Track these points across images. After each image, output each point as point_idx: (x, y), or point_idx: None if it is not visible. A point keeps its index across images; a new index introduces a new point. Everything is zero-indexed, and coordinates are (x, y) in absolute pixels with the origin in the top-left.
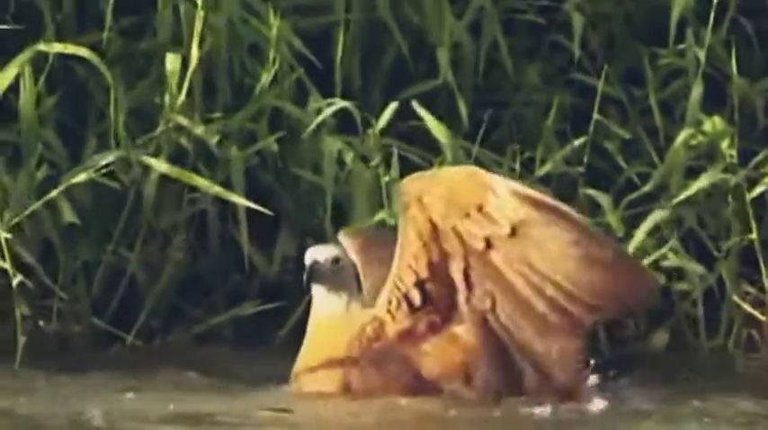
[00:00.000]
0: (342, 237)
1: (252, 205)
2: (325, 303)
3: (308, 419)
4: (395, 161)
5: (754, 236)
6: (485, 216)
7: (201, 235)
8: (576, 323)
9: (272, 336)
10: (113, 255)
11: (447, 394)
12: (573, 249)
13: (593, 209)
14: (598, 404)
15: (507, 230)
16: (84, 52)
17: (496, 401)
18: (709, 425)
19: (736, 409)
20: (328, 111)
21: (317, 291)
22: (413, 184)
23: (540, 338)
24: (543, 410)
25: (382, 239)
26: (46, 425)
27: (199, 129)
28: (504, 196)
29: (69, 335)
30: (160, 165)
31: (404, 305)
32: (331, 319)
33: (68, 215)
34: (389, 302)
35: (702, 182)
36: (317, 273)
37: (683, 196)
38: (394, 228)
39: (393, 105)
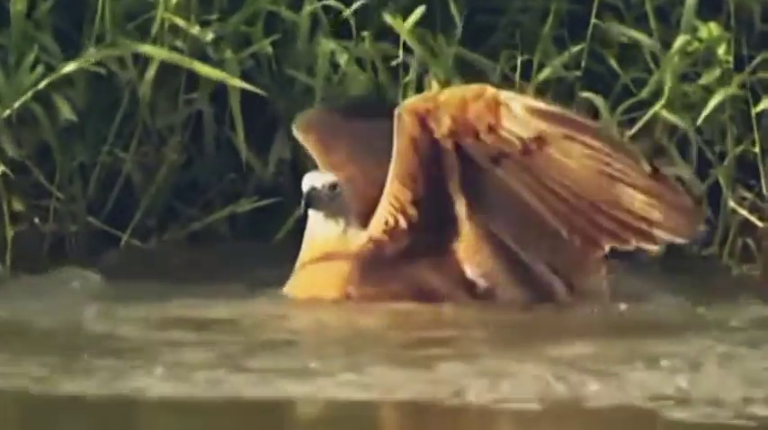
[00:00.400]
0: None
1: (246, 86)
2: (322, 229)
3: (307, 325)
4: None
5: (756, 149)
6: (496, 135)
7: (197, 136)
8: (593, 245)
9: (268, 236)
10: (109, 156)
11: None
12: (593, 164)
13: (591, 114)
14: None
15: (519, 148)
16: None
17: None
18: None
19: (744, 316)
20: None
21: (315, 216)
22: (417, 106)
23: (555, 253)
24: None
25: (336, 121)
26: (41, 328)
27: (194, 29)
28: (517, 113)
29: (65, 236)
30: (159, 53)
31: (401, 223)
32: (327, 242)
33: (66, 112)
34: (386, 223)
35: (703, 80)
36: (314, 199)
37: (703, 114)
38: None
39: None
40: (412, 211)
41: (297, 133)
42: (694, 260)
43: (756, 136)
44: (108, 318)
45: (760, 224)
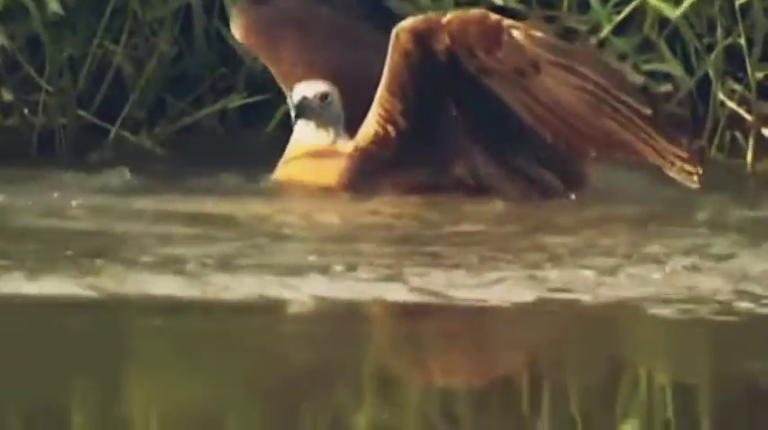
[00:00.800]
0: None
1: None
2: (311, 138)
3: (297, 220)
4: None
5: (741, 39)
6: (493, 58)
7: (187, 29)
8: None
9: (259, 128)
10: (99, 49)
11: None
12: (584, 95)
13: (582, 6)
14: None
15: (513, 69)
16: None
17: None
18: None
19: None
20: None
21: (305, 126)
22: (416, 25)
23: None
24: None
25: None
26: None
27: None
28: (518, 39)
29: (55, 128)
30: None
31: (391, 133)
32: (317, 150)
33: (54, 5)
34: (375, 133)
35: None
36: (305, 108)
37: (678, 11)
38: None
39: None
40: (401, 121)
41: (235, 32)
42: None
43: (741, 27)
44: (97, 212)
45: (748, 117)
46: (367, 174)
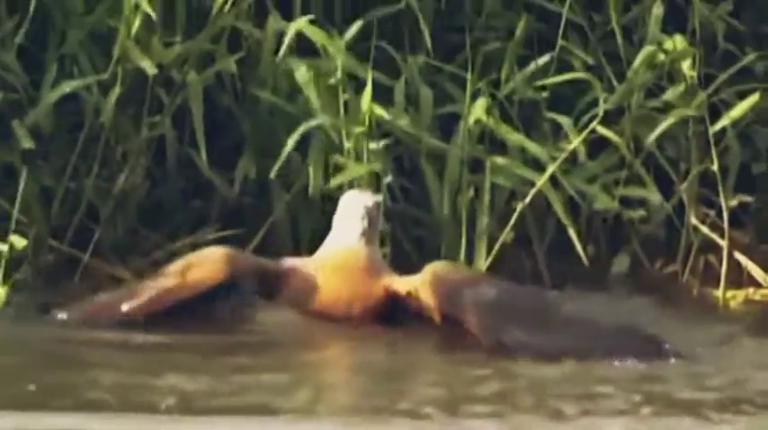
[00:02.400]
0: None
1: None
2: (351, 240)
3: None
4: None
5: (714, 166)
6: None
7: (161, 160)
8: None
9: None
10: (72, 181)
11: None
12: None
13: (557, 135)
14: None
15: None
16: None
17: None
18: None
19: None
20: (293, 28)
21: (350, 227)
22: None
23: None
24: None
25: None
26: None
27: (147, 60)
28: None
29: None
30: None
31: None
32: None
33: (26, 142)
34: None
35: (671, 119)
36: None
37: (653, 136)
38: None
39: (357, 24)
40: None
41: None
42: (656, 279)
43: (714, 155)
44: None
45: (721, 242)
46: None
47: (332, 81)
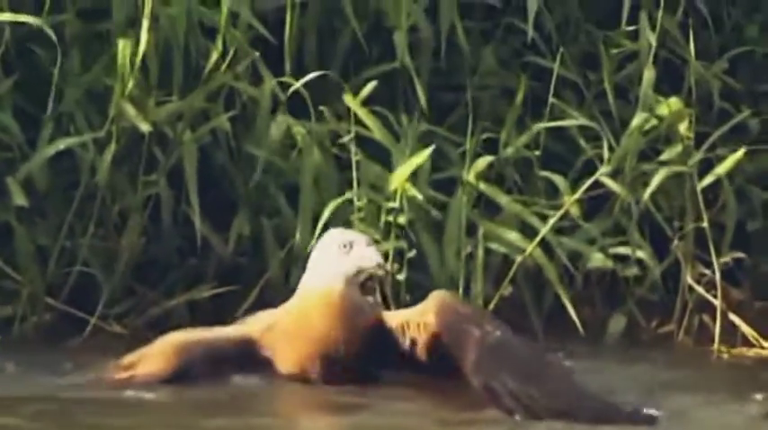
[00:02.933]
0: None
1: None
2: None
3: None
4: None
5: (704, 224)
6: None
7: (156, 217)
8: None
9: (228, 319)
10: (67, 240)
11: None
12: None
13: (551, 192)
14: None
15: None
16: (38, 21)
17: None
18: None
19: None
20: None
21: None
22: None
23: None
24: None
25: None
26: None
27: (142, 119)
28: None
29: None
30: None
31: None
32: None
33: (19, 199)
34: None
35: (662, 174)
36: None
37: (646, 194)
38: None
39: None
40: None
41: None
42: (651, 339)
43: (704, 213)
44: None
45: (716, 302)
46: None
47: (344, 140)
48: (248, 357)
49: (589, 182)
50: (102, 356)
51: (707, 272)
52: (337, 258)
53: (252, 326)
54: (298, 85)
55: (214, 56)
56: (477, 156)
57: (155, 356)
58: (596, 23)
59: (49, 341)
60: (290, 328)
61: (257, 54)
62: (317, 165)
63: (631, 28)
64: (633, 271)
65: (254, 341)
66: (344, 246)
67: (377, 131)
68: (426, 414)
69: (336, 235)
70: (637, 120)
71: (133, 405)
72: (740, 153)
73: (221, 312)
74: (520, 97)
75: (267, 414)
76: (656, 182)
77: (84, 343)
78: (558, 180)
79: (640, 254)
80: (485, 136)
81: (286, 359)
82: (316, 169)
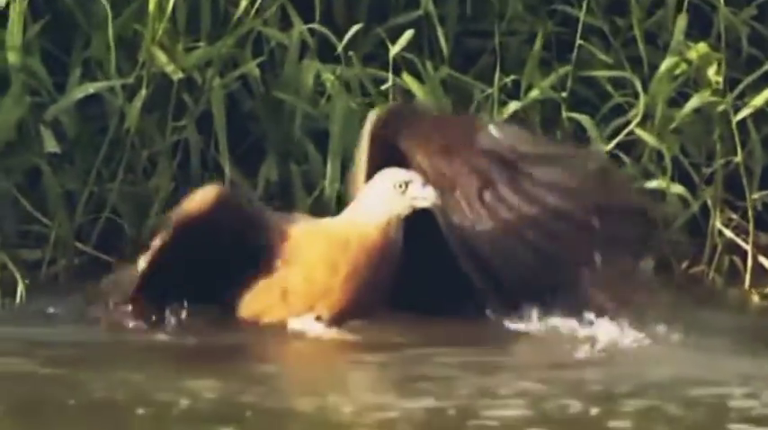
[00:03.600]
0: None
1: None
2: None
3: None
4: None
5: (738, 158)
6: (467, 160)
7: (184, 162)
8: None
9: None
10: (96, 185)
11: None
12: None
13: (579, 135)
14: None
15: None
16: None
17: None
18: None
19: None
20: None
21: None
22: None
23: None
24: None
25: None
26: None
27: (171, 64)
28: (493, 140)
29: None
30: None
31: None
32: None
33: (50, 145)
34: None
35: (692, 103)
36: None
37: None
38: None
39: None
40: None
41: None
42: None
43: (739, 150)
44: None
45: (745, 245)
46: None
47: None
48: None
49: (625, 131)
50: None
51: (735, 216)
52: (391, 197)
53: (297, 221)
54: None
55: (243, 1)
56: (504, 103)
57: (196, 197)
58: None
59: (77, 285)
60: (321, 251)
61: None
62: (345, 111)
63: None
64: (670, 206)
65: (283, 234)
66: (400, 186)
67: (407, 79)
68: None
69: (391, 174)
70: (666, 65)
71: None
72: None
73: None
74: (539, 42)
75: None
76: (690, 106)
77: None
78: (585, 120)
79: (676, 189)
80: (510, 78)
81: (296, 274)
82: (344, 115)
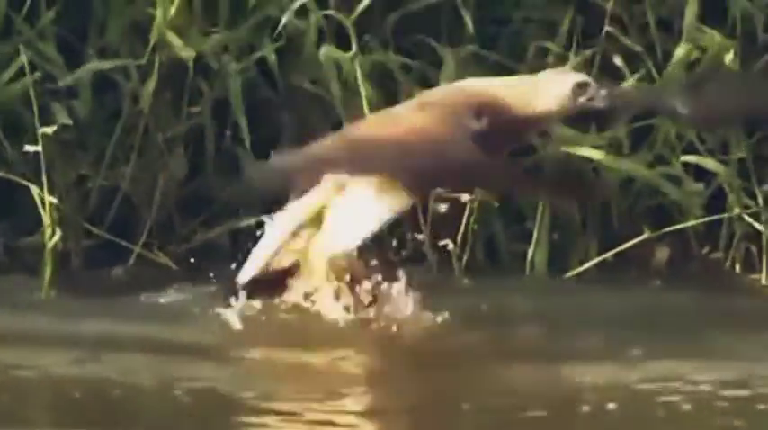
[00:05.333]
0: None
1: None
2: None
3: None
4: None
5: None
6: None
7: (200, 147)
8: None
9: None
10: (110, 170)
11: None
12: None
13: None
14: None
15: None
16: None
17: None
18: None
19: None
20: None
21: None
22: None
23: None
24: None
25: None
26: None
27: (184, 47)
28: None
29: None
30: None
31: None
32: None
33: (62, 116)
34: None
35: None
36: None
37: None
38: None
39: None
40: None
41: None
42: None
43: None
44: None
45: (763, 230)
46: None
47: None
48: None
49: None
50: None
51: (751, 203)
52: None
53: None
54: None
55: None
56: None
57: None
58: None
59: (92, 270)
60: None
61: None
62: (362, 97)
63: None
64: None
65: None
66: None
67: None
68: None
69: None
70: (680, 52)
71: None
72: None
73: None
74: (565, 27)
75: None
76: None
77: (128, 272)
78: None
79: (711, 164)
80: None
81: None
82: (360, 99)
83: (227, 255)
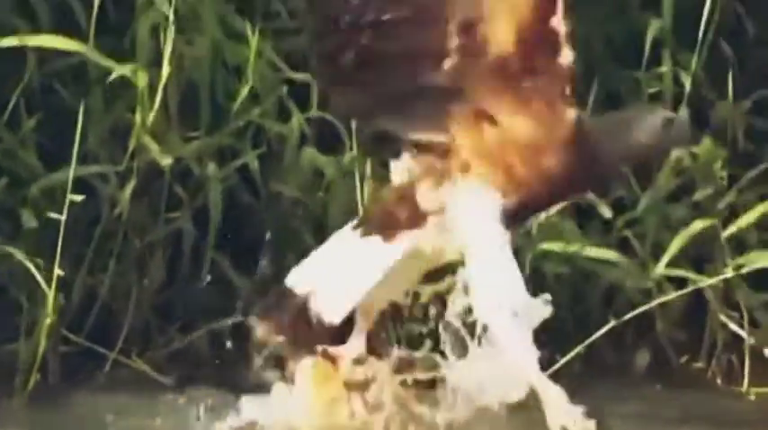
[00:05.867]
0: None
1: None
2: None
3: None
4: None
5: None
6: None
7: (178, 254)
8: None
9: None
10: (88, 276)
11: None
12: None
13: None
14: None
15: None
16: (72, 45)
17: None
18: None
19: None
20: None
21: None
22: None
23: None
24: None
25: None
26: None
27: (161, 152)
28: None
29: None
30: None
31: None
32: None
33: (29, 220)
34: None
35: (681, 238)
36: None
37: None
38: None
39: None
40: None
41: None
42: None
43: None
44: None
45: (746, 336)
46: None
47: None
48: None
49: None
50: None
51: (734, 313)
52: None
53: None
54: None
55: (243, 93)
56: None
57: None
58: (621, 63)
59: (68, 377)
60: None
61: (284, 90)
62: (345, 200)
63: (663, 69)
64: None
65: None
66: None
67: None
68: None
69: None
70: (671, 161)
71: None
72: None
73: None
74: None
75: None
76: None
77: (106, 378)
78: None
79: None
80: None
81: None
82: (344, 204)
83: (207, 359)
